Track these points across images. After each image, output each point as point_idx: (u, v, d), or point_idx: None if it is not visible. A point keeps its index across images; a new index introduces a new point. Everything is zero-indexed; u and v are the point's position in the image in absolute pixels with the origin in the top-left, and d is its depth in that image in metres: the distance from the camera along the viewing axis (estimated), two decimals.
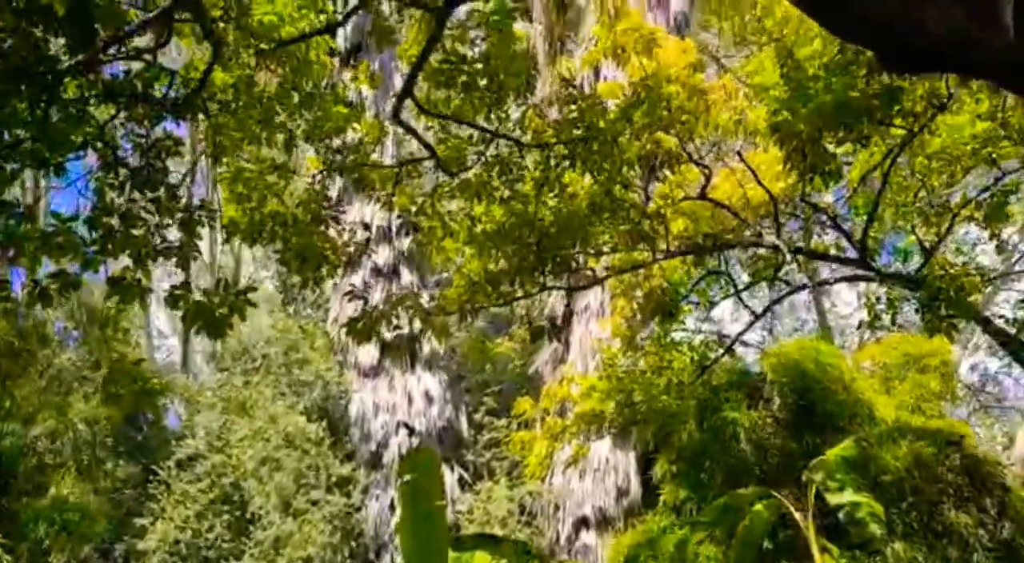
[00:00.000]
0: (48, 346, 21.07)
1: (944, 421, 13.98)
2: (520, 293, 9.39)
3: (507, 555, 8.98)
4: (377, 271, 16.64)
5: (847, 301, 33.75)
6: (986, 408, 24.74)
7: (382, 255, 16.80)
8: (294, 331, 18.50)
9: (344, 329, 9.05)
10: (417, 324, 12.18)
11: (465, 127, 8.42)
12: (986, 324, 11.15)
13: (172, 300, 6.71)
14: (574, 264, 9.67)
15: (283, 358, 18.00)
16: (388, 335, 16.88)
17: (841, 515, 9.03)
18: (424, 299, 10.94)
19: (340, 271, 15.12)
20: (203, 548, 16.12)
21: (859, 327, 12.81)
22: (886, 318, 11.99)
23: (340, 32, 15.43)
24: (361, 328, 8.58)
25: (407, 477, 8.14)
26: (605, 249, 9.91)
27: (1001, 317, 11.54)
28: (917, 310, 10.65)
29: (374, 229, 16.72)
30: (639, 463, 14.88)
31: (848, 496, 8.80)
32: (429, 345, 17.04)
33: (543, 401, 13.15)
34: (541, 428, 12.76)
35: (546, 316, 10.02)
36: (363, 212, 17.20)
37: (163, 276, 17.75)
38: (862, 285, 33.52)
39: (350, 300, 9.52)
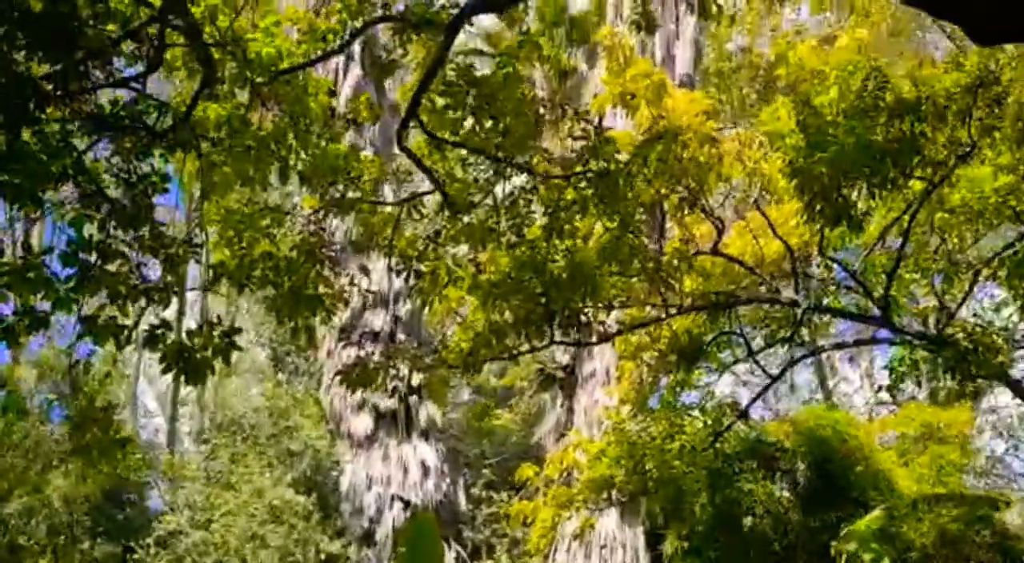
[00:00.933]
0: (26, 419, 20.28)
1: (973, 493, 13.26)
2: (526, 347, 8.81)
3: None
4: (373, 336, 16.03)
5: (850, 380, 33.11)
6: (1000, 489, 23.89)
7: (378, 319, 16.22)
8: (284, 399, 17.77)
9: (339, 379, 8.42)
10: (416, 379, 11.57)
11: (470, 169, 8.01)
12: (1015, 386, 10.60)
13: (151, 340, 6.13)
14: (583, 318, 9.14)
15: (272, 427, 17.23)
16: (383, 403, 16.22)
17: None
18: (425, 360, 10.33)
19: (335, 324, 14.57)
20: None
21: (878, 391, 12.19)
22: (909, 382, 11.46)
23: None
24: (357, 377, 7.97)
25: (405, 548, 7.43)
26: (616, 303, 9.38)
27: None
28: (945, 371, 10.07)
29: (371, 292, 16.18)
30: (648, 539, 14.03)
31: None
32: (426, 413, 16.32)
33: (548, 469, 12.41)
34: (545, 498, 11.96)
35: (555, 365, 9.43)
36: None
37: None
38: (864, 364, 32.97)
39: (345, 347, 8.88)
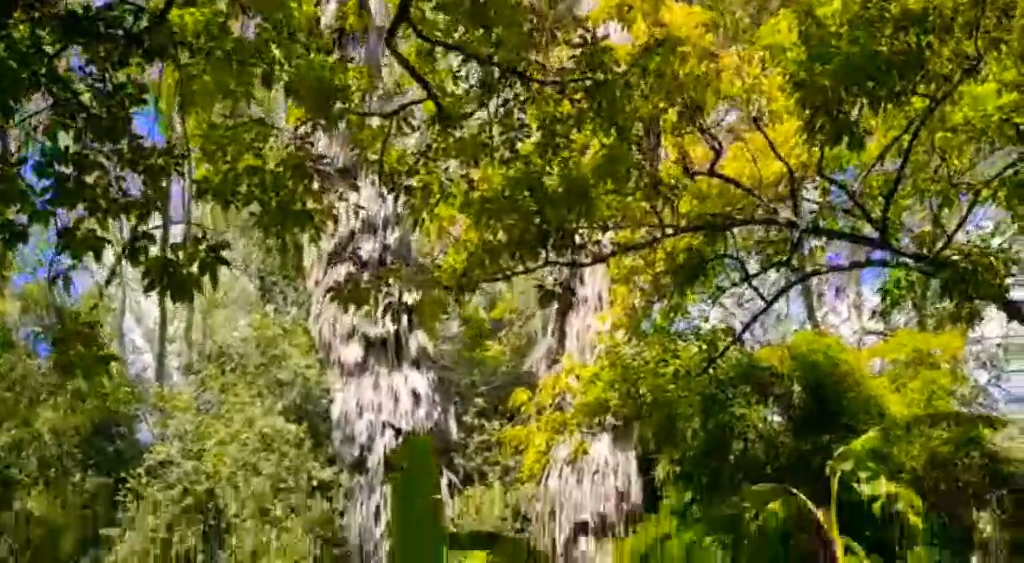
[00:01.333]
0: (13, 352, 20.10)
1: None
2: (520, 268, 8.62)
3: (506, 555, 8.16)
4: (362, 262, 15.78)
5: (838, 311, 33.24)
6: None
7: (367, 246, 15.96)
8: (273, 329, 17.60)
9: (330, 297, 8.21)
10: (408, 299, 11.37)
11: (461, 82, 7.69)
12: (1012, 308, 10.50)
13: (132, 253, 5.88)
14: (578, 239, 8.92)
15: (260, 357, 17.08)
16: (373, 331, 16.08)
17: (876, 505, 8.26)
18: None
19: (323, 251, 14.33)
20: (175, 560, 15.10)
21: (872, 316, 12.11)
22: (899, 313, 11.37)
23: None
24: (349, 295, 7.76)
25: (400, 467, 7.32)
26: (611, 223, 9.17)
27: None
28: (942, 292, 9.97)
29: (359, 221, 15.89)
30: (640, 465, 14.10)
31: (883, 487, 8.05)
32: (416, 342, 16.22)
33: (540, 394, 12.34)
34: (538, 423, 11.92)
35: (556, 282, 9.25)
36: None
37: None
38: (851, 296, 33.09)
39: (334, 265, 8.55)
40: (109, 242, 5.94)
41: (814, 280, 28.52)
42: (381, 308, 7.92)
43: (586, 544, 13.72)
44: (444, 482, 15.20)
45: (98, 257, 5.86)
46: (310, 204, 6.95)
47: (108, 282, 28.28)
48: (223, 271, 6.71)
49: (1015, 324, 11.24)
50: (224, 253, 6.29)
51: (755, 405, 12.27)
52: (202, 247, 6.12)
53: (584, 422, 10.90)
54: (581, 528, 13.87)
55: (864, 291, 32.59)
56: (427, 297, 7.72)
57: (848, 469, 8.43)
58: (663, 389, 10.57)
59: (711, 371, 11.84)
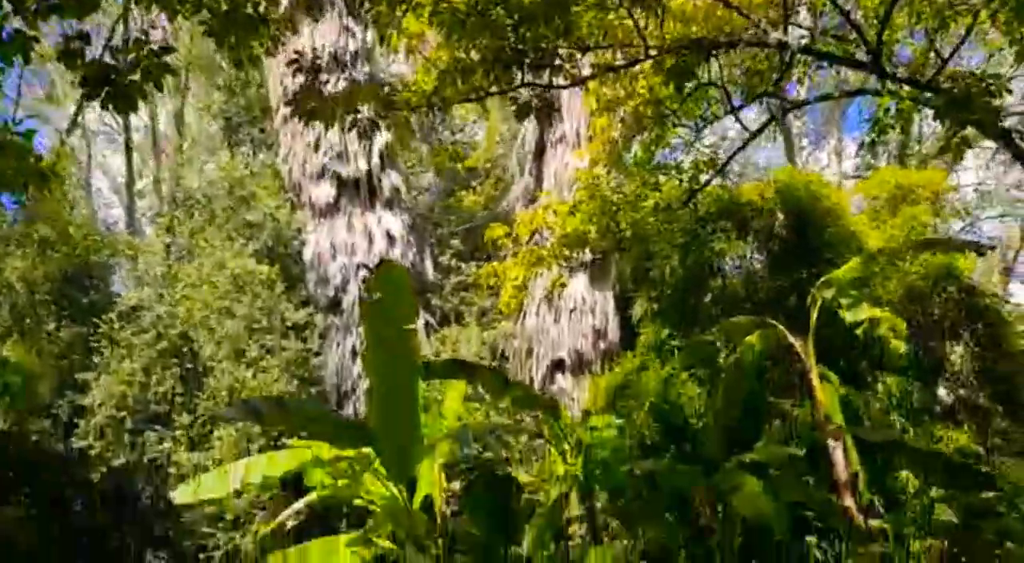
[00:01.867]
0: None
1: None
2: (494, 89, 8.10)
3: (485, 383, 8.08)
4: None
5: (818, 158, 32.97)
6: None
7: (333, 81, 15.18)
8: (240, 170, 17.00)
9: (289, 109, 7.71)
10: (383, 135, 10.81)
11: None
12: (1004, 135, 10.19)
13: (67, 54, 5.34)
14: (556, 60, 8.37)
15: (228, 199, 16.57)
16: (345, 170, 15.59)
17: (859, 331, 8.18)
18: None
19: (288, 89, 13.64)
20: (152, 402, 15.14)
21: (861, 147, 11.75)
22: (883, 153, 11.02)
23: None
24: (310, 109, 7.26)
25: (374, 296, 7.06)
26: (591, 42, 8.59)
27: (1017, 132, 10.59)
28: (935, 118, 9.59)
29: (327, 56, 15.04)
30: (617, 303, 14.05)
31: (865, 312, 7.93)
32: (390, 183, 15.77)
33: (518, 228, 12.06)
34: (515, 258, 11.69)
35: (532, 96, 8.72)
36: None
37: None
38: (832, 143, 32.69)
39: (295, 74, 7.89)
40: (38, 41, 5.36)
41: (795, 128, 28.08)
42: (349, 129, 7.39)
43: (563, 381, 13.85)
44: (421, 323, 15.14)
45: (27, 59, 5.31)
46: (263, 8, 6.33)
47: (70, 130, 27.29)
48: (188, 115, 6.21)
49: (991, 171, 11.05)
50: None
51: (735, 241, 12.07)
52: (145, 51, 5.57)
53: (562, 256, 10.67)
54: (558, 365, 13.96)
55: (845, 139, 32.28)
56: (397, 119, 7.27)
57: (830, 296, 8.28)
58: (643, 222, 10.29)
59: (691, 206, 11.57)
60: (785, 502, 5.86)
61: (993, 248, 11.76)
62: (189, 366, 15.44)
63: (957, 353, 11.96)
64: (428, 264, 16.15)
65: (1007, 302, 14.26)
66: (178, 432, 14.88)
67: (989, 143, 26.51)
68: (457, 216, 19.08)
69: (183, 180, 18.57)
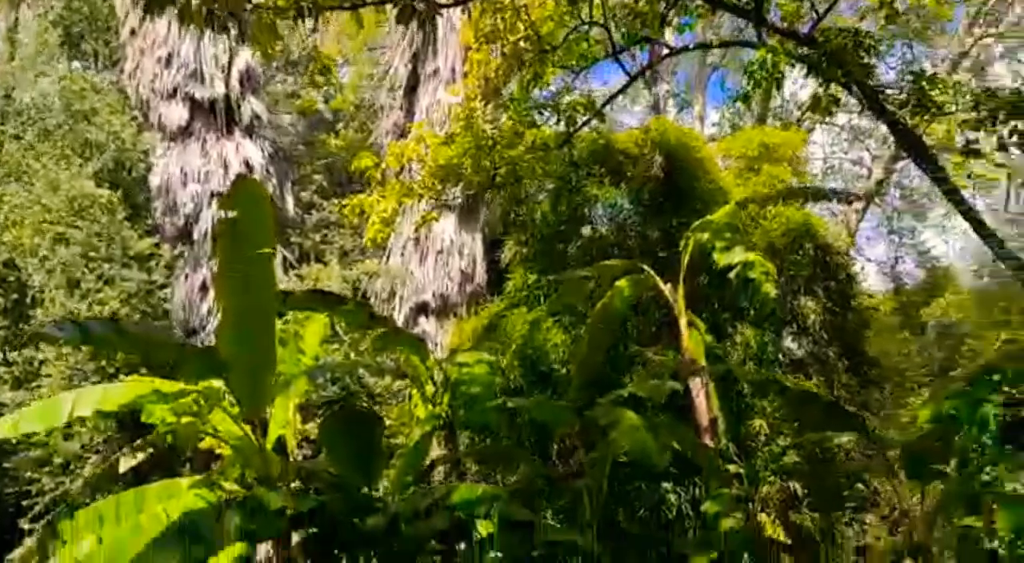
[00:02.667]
0: None
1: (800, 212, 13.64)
2: None
3: (348, 317, 7.58)
4: None
5: (682, 122, 33.63)
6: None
7: None
8: (80, 83, 15.42)
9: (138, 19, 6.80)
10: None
11: None
12: (872, 97, 10.45)
13: None
14: None
15: (65, 114, 15.01)
16: (200, 91, 14.45)
17: (732, 274, 8.19)
18: None
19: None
20: None
21: (736, 100, 11.80)
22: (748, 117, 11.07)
23: None
24: None
25: (229, 214, 6.40)
26: None
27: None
28: (810, 72, 9.69)
29: None
30: (487, 247, 13.74)
31: (739, 255, 7.93)
32: (250, 109, 14.71)
33: (388, 159, 11.45)
34: (382, 191, 11.09)
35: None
36: None
37: None
38: (696, 108, 33.48)
39: (152, 16, 7.10)
40: None
41: (662, 92, 28.49)
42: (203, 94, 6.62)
43: (426, 324, 13.46)
44: (279, 261, 14.33)
45: None
46: None
47: None
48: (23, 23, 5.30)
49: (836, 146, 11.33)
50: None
51: (608, 187, 11.96)
52: None
53: (433, 190, 10.19)
54: (421, 308, 13.55)
55: (709, 105, 33.10)
56: (259, 25, 6.54)
57: (705, 238, 8.24)
58: (518, 160, 9.96)
59: (566, 149, 11.34)
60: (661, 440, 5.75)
61: (858, 197, 12.21)
62: (15, 297, 14.01)
63: (810, 308, 12.36)
64: (289, 199, 15.27)
65: (854, 261, 14.90)
66: (1, 369, 13.55)
67: (841, 117, 27.83)
68: (321, 152, 18.17)
69: (14, 92, 16.70)
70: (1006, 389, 17.05)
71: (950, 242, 44.01)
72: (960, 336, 25.39)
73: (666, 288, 9.40)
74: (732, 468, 9.04)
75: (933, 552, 5.12)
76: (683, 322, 9.05)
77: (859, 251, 24.88)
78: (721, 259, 7.97)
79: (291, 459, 7.85)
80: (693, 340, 9.09)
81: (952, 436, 5.92)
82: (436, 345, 13.05)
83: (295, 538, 6.52)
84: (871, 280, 26.19)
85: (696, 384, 8.98)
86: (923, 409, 5.99)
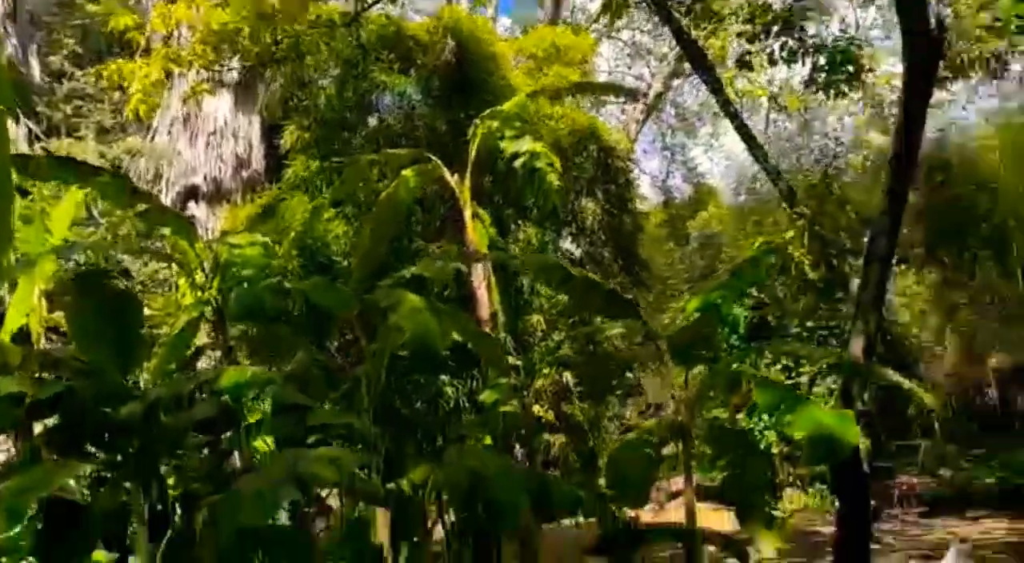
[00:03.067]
0: None
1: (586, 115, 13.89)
2: None
3: (106, 190, 6.75)
4: None
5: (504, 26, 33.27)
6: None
7: None
8: None
9: None
10: None
11: None
12: (661, 2, 10.63)
13: None
14: None
15: None
16: None
17: (518, 163, 8.11)
18: None
19: None
20: None
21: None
22: None
23: None
24: None
25: None
26: None
27: None
28: None
29: None
30: (265, 131, 12.86)
31: (527, 145, 7.85)
32: None
33: (152, 22, 10.24)
34: (147, 59, 9.94)
35: None
36: None
37: None
38: (490, 10, 33.11)
39: None
40: None
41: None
42: None
43: (196, 210, 12.51)
44: (22, 132, 12.66)
45: None
46: None
47: None
48: None
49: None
50: None
51: (397, 74, 11.49)
52: None
53: (205, 58, 9.25)
54: (191, 193, 12.55)
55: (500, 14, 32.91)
56: None
57: (494, 126, 8.09)
58: (301, 35, 9.24)
59: (354, 30, 10.72)
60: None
61: (645, 95, 12.56)
62: None
63: (590, 209, 12.72)
64: (34, 63, 13.45)
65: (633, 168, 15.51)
66: None
67: (625, 34, 28.54)
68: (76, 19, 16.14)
69: None
70: (753, 293, 18.67)
71: (715, 160, 47.41)
72: (719, 246, 27.52)
73: (452, 179, 9.22)
74: (511, 360, 9.22)
75: (693, 434, 5.41)
76: (468, 214, 8.94)
77: (635, 163, 26.09)
78: (509, 147, 7.87)
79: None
80: (477, 233, 9.02)
81: (716, 324, 6.26)
82: (207, 232, 12.19)
83: (38, 429, 5.87)
84: (644, 192, 27.59)
85: (478, 276, 8.97)
86: (691, 300, 6.25)
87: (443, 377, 10.37)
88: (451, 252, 9.09)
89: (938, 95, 15.88)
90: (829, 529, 13.54)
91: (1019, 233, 27.20)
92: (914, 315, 23.21)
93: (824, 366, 16.96)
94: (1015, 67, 15.78)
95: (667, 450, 5.71)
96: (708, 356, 6.24)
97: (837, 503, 15.92)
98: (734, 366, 6.60)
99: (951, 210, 25.06)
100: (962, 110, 25.59)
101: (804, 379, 16.94)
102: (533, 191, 8.31)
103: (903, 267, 21.40)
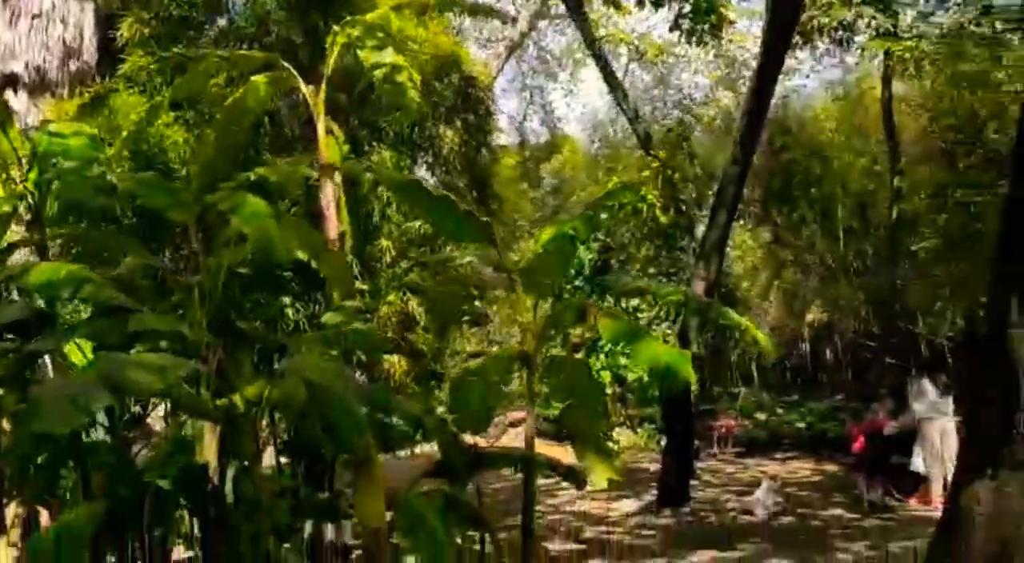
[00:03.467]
0: None
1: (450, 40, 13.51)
2: None
3: None
4: None
5: None
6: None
7: None
8: None
9: None
10: None
11: None
12: None
13: None
14: None
15: None
16: None
17: (377, 73, 7.70)
18: None
19: None
20: None
21: None
22: None
23: None
24: None
25: None
26: None
27: None
28: None
29: None
30: (100, 19, 11.71)
31: (389, 57, 7.43)
32: None
33: None
34: None
35: None
36: None
37: None
38: None
39: None
40: None
41: None
42: None
43: (16, 101, 11.28)
44: None
45: None
46: None
47: None
48: None
49: None
50: None
51: None
52: None
53: None
54: (10, 80, 11.29)
55: None
56: None
57: (355, 34, 7.62)
58: None
59: None
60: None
61: (515, 20, 12.36)
62: None
63: (448, 137, 12.46)
64: None
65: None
66: None
67: None
68: None
69: None
70: (600, 237, 19.02)
71: (572, 106, 47.88)
72: (571, 191, 27.93)
73: (306, 89, 8.73)
74: (357, 284, 8.94)
75: (537, 361, 5.39)
76: (321, 128, 8.47)
77: (494, 101, 25.93)
78: (369, 57, 7.43)
79: None
80: (330, 149, 8.60)
81: (569, 254, 6.24)
82: (24, 124, 11.03)
83: None
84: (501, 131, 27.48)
85: (327, 195, 8.59)
86: (545, 230, 6.19)
87: (284, 299, 10.01)
88: (302, 162, 8.63)
89: (786, 62, 16.47)
90: (655, 466, 14.23)
91: (844, 201, 29.13)
92: (746, 269, 24.45)
93: (662, 313, 17.65)
94: (859, 39, 16.57)
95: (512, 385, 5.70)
96: (558, 287, 6.23)
97: (664, 442, 16.73)
98: (580, 300, 6.63)
99: (786, 173, 26.47)
100: (805, 78, 26.79)
101: (642, 325, 17.54)
102: (392, 107, 7.96)
103: (741, 222, 22.42)
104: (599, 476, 5.25)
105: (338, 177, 8.65)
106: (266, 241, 4.68)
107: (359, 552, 6.45)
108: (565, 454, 6.35)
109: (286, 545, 8.59)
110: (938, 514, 10.06)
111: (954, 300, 17.34)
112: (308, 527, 9.20)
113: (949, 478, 10.65)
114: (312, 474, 7.87)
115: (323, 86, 8.78)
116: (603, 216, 7.25)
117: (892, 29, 15.62)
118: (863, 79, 27.22)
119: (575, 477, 5.18)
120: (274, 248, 4.70)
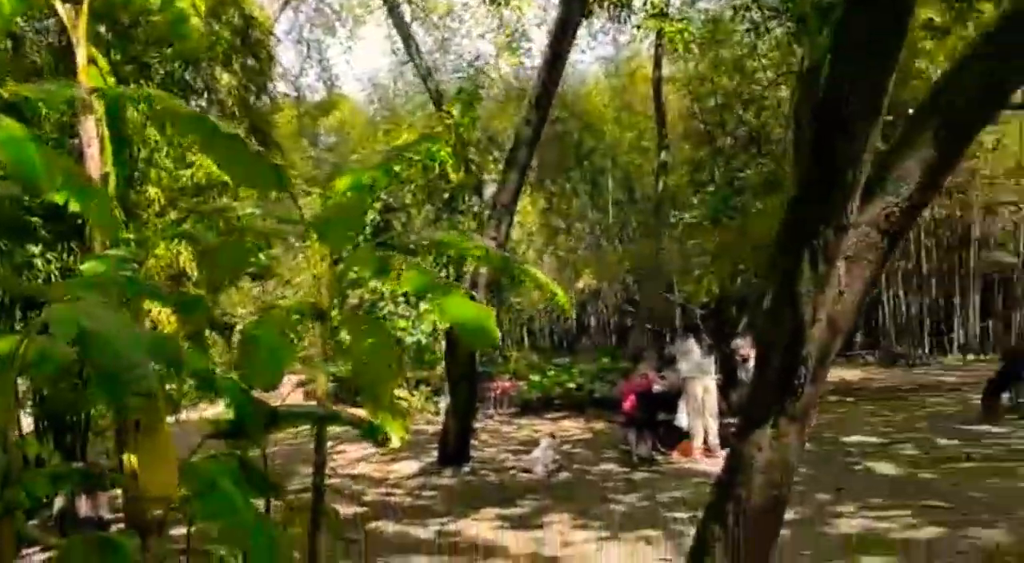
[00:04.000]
0: None
1: None
2: None
3: None
4: None
5: None
6: None
7: None
8: None
9: None
10: None
11: None
12: None
13: None
14: None
15: None
16: None
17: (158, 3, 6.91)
18: None
19: None
20: None
21: None
22: None
23: None
24: None
25: None
26: None
27: None
28: None
29: None
30: None
31: None
32: None
33: None
34: None
35: None
36: None
37: None
38: None
39: None
40: None
41: None
42: None
43: None
44: None
45: None
46: None
47: None
48: None
49: None
50: None
51: None
52: None
53: None
54: None
55: None
56: None
57: None
58: None
59: None
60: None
61: None
62: None
63: (225, 81, 11.60)
64: None
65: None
66: None
67: None
68: None
69: None
70: (383, 196, 18.59)
71: (352, 65, 46.56)
72: (349, 148, 27.21)
73: (64, 9, 7.70)
74: (121, 233, 8.10)
75: (332, 316, 5.07)
76: (82, 54, 7.51)
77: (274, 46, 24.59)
78: None
79: None
80: (92, 80, 7.65)
81: (365, 205, 5.95)
82: None
83: None
84: (277, 83, 26.14)
85: (88, 132, 7.67)
86: (341, 179, 5.84)
87: (33, 248, 8.93)
88: (62, 85, 7.62)
89: None
90: (432, 428, 14.26)
91: (614, 173, 30.63)
92: (525, 235, 25.03)
93: (442, 273, 17.61)
94: (635, 18, 17.23)
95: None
96: (353, 238, 5.93)
97: (441, 404, 16.70)
98: (380, 253, 6.37)
99: (562, 144, 27.38)
100: (581, 53, 27.62)
101: None
102: (162, 41, 7.19)
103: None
104: (394, 434, 5.08)
105: (101, 111, 7.77)
106: (29, 171, 3.99)
107: (120, 527, 5.83)
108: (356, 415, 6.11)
109: (33, 521, 7.67)
110: (700, 466, 10.94)
111: (715, 268, 18.69)
112: (59, 501, 8.29)
113: (710, 432, 11.52)
114: (62, 441, 7.07)
115: (85, 7, 7.82)
116: (398, 168, 7.01)
117: (665, 11, 16.42)
118: (634, 58, 28.61)
119: (375, 433, 4.94)
120: (39, 180, 4.03)
